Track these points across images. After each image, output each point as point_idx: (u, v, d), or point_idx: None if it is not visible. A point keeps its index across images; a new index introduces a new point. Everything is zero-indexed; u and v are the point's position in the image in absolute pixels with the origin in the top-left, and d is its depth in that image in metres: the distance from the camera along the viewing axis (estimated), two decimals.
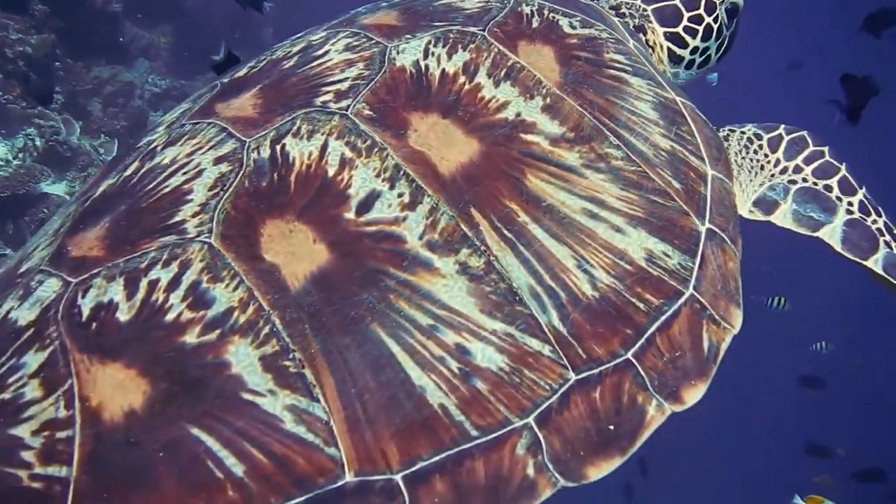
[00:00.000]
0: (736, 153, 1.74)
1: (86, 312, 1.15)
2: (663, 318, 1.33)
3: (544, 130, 1.40)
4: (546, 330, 1.24)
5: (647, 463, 8.62)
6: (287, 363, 1.13)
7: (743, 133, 1.77)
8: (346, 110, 1.34)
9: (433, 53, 1.45)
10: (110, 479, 1.04)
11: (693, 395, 1.31)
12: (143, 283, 1.17)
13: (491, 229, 1.28)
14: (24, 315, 1.17)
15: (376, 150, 1.30)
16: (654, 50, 1.91)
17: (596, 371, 1.26)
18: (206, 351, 1.12)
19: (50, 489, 1.03)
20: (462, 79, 1.42)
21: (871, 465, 8.64)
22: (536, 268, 1.28)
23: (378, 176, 1.28)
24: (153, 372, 1.10)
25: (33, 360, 1.12)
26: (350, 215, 1.24)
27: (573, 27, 1.59)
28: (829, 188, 1.69)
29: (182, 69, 8.52)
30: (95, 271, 1.19)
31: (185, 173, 1.30)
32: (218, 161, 1.30)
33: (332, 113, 1.34)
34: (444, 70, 1.42)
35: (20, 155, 5.95)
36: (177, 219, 1.24)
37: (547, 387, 1.22)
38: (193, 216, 1.23)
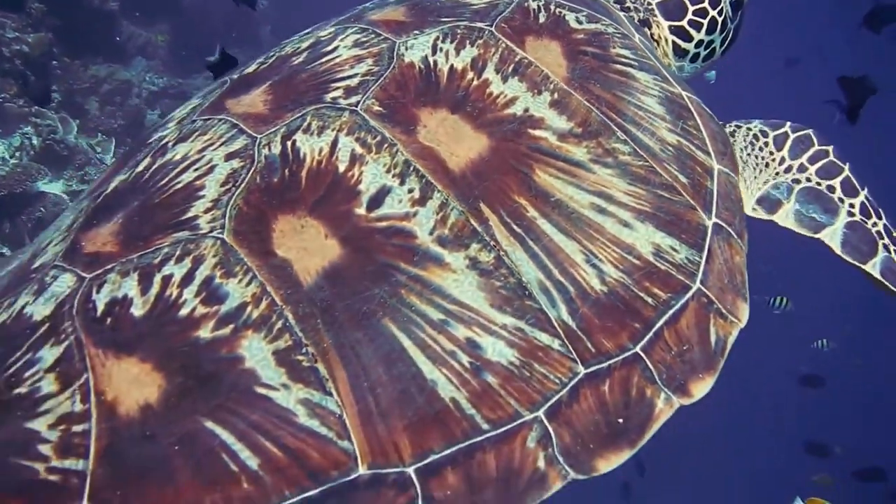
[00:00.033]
0: (741, 149, 1.75)
1: (100, 307, 1.16)
2: (671, 311, 1.34)
3: (552, 126, 1.41)
4: (555, 324, 1.25)
5: (644, 462, 8.65)
6: (300, 357, 1.14)
7: (749, 129, 1.78)
8: (356, 106, 1.35)
9: (441, 49, 1.45)
10: (126, 472, 1.05)
11: (701, 388, 1.32)
12: (157, 279, 1.18)
13: (500, 224, 1.29)
14: (40, 310, 1.18)
15: (386, 145, 1.31)
16: (658, 44, 1.91)
17: (605, 365, 1.27)
18: (220, 345, 1.13)
19: (67, 482, 1.03)
20: (470, 74, 1.43)
21: (870, 465, 8.67)
22: (545, 262, 1.29)
23: (388, 172, 1.29)
24: (168, 366, 1.11)
25: (49, 354, 1.13)
26: (361, 211, 1.25)
27: (580, 22, 1.60)
28: (832, 189, 1.70)
29: (179, 67, 8.51)
30: (109, 267, 1.20)
31: (196, 169, 1.30)
32: (229, 157, 1.30)
33: (342, 109, 1.35)
34: (452, 66, 1.43)
35: (17, 154, 5.93)
36: (189, 214, 1.24)
37: (556, 380, 1.23)
38: (206, 212, 1.24)
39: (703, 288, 1.39)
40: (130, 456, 1.05)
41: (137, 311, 1.15)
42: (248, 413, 1.10)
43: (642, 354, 1.30)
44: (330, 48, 1.48)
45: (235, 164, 1.29)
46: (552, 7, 1.61)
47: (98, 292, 1.18)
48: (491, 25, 1.51)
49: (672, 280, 1.37)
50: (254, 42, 9.99)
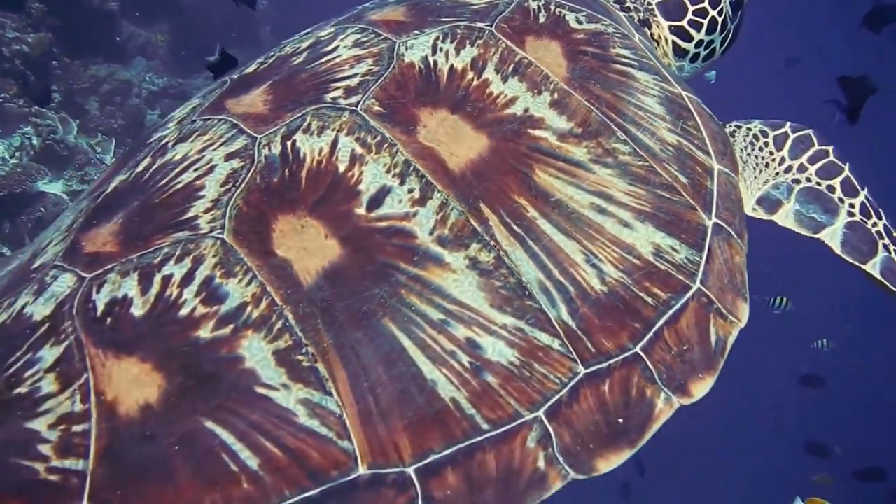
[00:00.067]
0: (741, 149, 1.75)
1: (100, 307, 1.16)
2: (671, 311, 1.34)
3: (552, 126, 1.41)
4: (555, 324, 1.25)
5: (644, 462, 8.65)
6: (300, 357, 1.14)
7: (749, 129, 1.78)
8: (356, 106, 1.35)
9: (441, 49, 1.45)
10: (126, 472, 1.05)
11: (701, 388, 1.32)
12: (157, 279, 1.18)
13: (500, 224, 1.29)
14: (40, 310, 1.18)
15: (386, 145, 1.31)
16: (658, 44, 1.92)
17: (605, 365, 1.27)
18: (220, 345, 1.13)
19: (67, 482, 1.03)
20: (470, 75, 1.43)
21: (870, 465, 8.66)
22: (545, 262, 1.29)
23: (388, 172, 1.29)
24: (168, 366, 1.11)
25: (49, 354, 1.13)
26: (361, 211, 1.25)
27: (580, 22, 1.60)
28: (832, 189, 1.70)
29: (179, 67, 8.51)
30: (109, 267, 1.20)
31: (196, 169, 1.30)
32: (229, 157, 1.30)
33: (342, 109, 1.35)
34: (452, 66, 1.43)
35: (17, 154, 5.94)
36: (189, 214, 1.24)
37: (556, 380, 1.23)
38: (206, 212, 1.24)
39: (703, 288, 1.39)
40: (130, 456, 1.05)
41: (137, 311, 1.15)
42: (248, 413, 1.10)
43: (642, 354, 1.30)
44: (330, 48, 1.48)
45: (235, 164, 1.29)
46: (552, 7, 1.61)
47: (98, 292, 1.18)
48: (491, 25, 1.51)
49: (672, 280, 1.37)
50: (254, 42, 9.99)
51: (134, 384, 1.09)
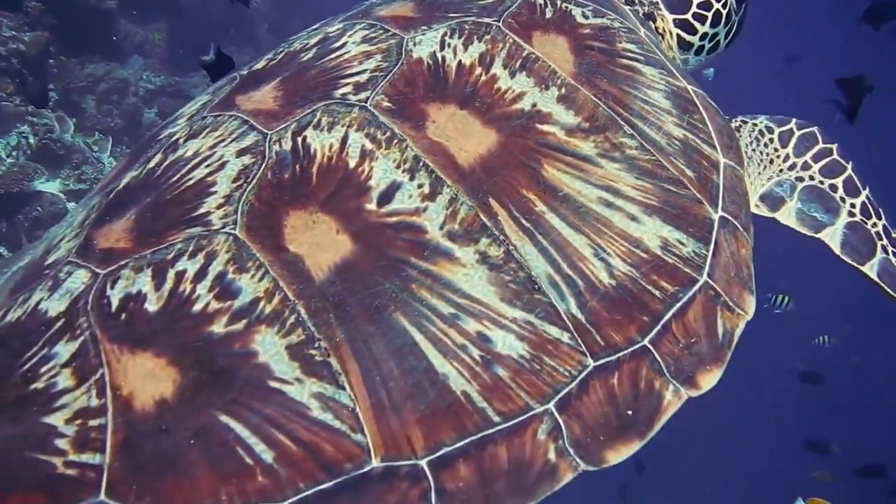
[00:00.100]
0: (746, 144, 1.77)
1: (115, 303, 1.17)
2: (678, 304, 1.35)
3: (560, 120, 1.42)
4: (565, 317, 1.27)
5: (644, 461, 8.66)
6: (313, 352, 1.15)
7: (755, 125, 1.80)
8: (366, 102, 1.36)
9: (449, 45, 1.46)
10: (143, 465, 1.05)
11: (708, 380, 1.34)
12: (171, 274, 1.19)
13: (509, 219, 1.30)
14: (54, 306, 1.18)
15: (396, 141, 1.31)
16: (663, 37, 1.93)
17: (614, 357, 1.28)
18: (234, 340, 1.14)
19: (84, 476, 1.04)
20: (478, 70, 1.44)
21: (870, 462, 8.69)
22: (554, 256, 1.30)
23: (398, 167, 1.29)
24: (182, 361, 1.12)
25: (64, 350, 1.13)
26: (371, 206, 1.26)
27: (586, 17, 1.61)
28: (834, 188, 1.72)
29: (177, 66, 8.48)
30: (123, 262, 1.21)
31: (208, 165, 1.31)
32: (241, 153, 1.31)
33: (351, 105, 1.35)
34: (460, 61, 1.44)
35: (14, 153, 5.91)
36: (202, 210, 1.25)
37: (566, 373, 1.24)
38: (218, 208, 1.25)
39: (710, 281, 1.40)
40: (146, 450, 1.06)
41: (151, 306, 1.16)
42: (262, 407, 1.11)
43: (650, 347, 1.31)
44: (338, 44, 1.49)
45: (247, 160, 1.30)
46: (558, 2, 1.61)
47: (112, 288, 1.18)
48: (498, 21, 1.52)
49: (679, 273, 1.38)
50: (251, 40, 9.97)
51: (149, 379, 1.10)
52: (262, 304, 1.17)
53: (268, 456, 1.08)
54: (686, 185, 1.47)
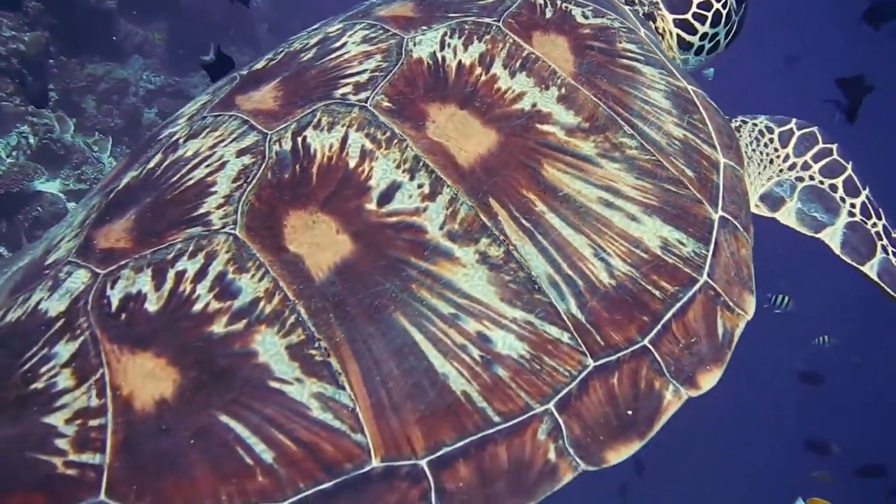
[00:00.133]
0: (747, 144, 1.77)
1: (115, 303, 1.17)
2: (678, 304, 1.35)
3: (560, 121, 1.42)
4: (565, 317, 1.27)
5: (644, 461, 8.65)
6: (313, 352, 1.15)
7: (755, 125, 1.80)
8: (366, 102, 1.36)
9: (449, 45, 1.46)
10: (143, 465, 1.05)
11: (709, 380, 1.34)
12: (171, 274, 1.19)
13: (509, 219, 1.30)
14: (54, 306, 1.19)
15: (396, 141, 1.32)
16: (663, 37, 1.93)
17: (614, 357, 1.28)
18: (234, 340, 1.14)
19: (84, 476, 1.04)
20: (478, 70, 1.44)
21: (870, 462, 8.69)
22: (554, 256, 1.30)
23: (398, 167, 1.29)
24: (182, 361, 1.12)
25: (64, 350, 1.13)
26: (372, 206, 1.26)
27: (586, 17, 1.61)
28: (834, 188, 1.72)
29: (177, 66, 8.48)
30: (123, 262, 1.21)
31: (208, 165, 1.31)
32: (241, 153, 1.31)
33: (351, 105, 1.35)
34: (460, 61, 1.44)
35: (14, 153, 5.91)
36: (202, 210, 1.25)
37: (566, 373, 1.24)
38: (218, 208, 1.25)
39: (710, 281, 1.40)
40: (146, 450, 1.06)
41: (151, 306, 1.16)
42: (262, 407, 1.11)
43: (650, 347, 1.31)
44: (338, 44, 1.49)
45: (247, 160, 1.30)
46: (558, 2, 1.61)
47: (112, 288, 1.18)
48: (498, 21, 1.52)
49: (679, 273, 1.38)
50: (251, 40, 9.97)
51: (149, 379, 1.10)
52: (262, 304, 1.17)
53: (268, 456, 1.08)
54: (686, 185, 1.47)
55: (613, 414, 1.25)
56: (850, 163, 1.74)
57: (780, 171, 1.74)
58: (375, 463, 1.12)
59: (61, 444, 1.06)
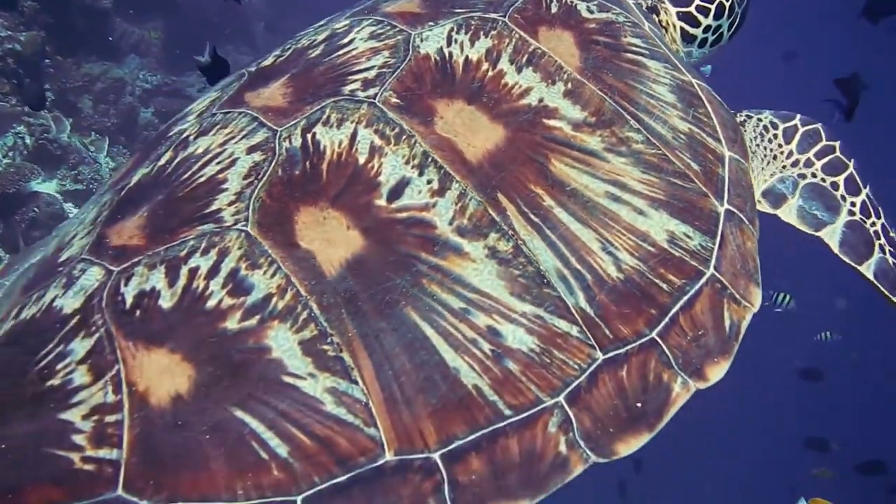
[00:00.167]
0: (751, 139, 1.77)
1: (129, 300, 1.17)
2: (686, 297, 1.37)
3: (567, 115, 1.43)
4: (573, 311, 1.28)
5: (643, 460, 8.66)
6: (325, 347, 1.16)
7: (759, 120, 1.80)
8: (374, 98, 1.36)
9: (456, 41, 1.47)
10: (160, 460, 1.06)
11: (716, 372, 1.35)
12: (184, 271, 1.19)
13: (518, 214, 1.31)
14: (69, 303, 1.19)
15: (405, 137, 1.32)
16: (666, 30, 1.93)
17: (622, 350, 1.29)
18: (248, 336, 1.15)
19: (101, 471, 1.05)
20: (485, 65, 1.44)
21: (870, 459, 8.70)
22: (563, 251, 1.31)
23: (407, 163, 1.30)
24: (197, 357, 1.13)
25: (80, 346, 1.14)
26: (381, 202, 1.26)
27: (591, 11, 1.62)
28: (835, 186, 1.73)
29: (173, 65, 8.46)
30: (136, 260, 1.21)
31: (219, 163, 1.31)
32: (251, 150, 1.32)
33: (360, 101, 1.36)
34: (467, 57, 1.45)
35: (10, 153, 5.89)
36: (213, 207, 1.26)
37: (576, 366, 1.25)
38: (229, 205, 1.25)
39: (716, 273, 1.41)
40: (163, 445, 1.07)
41: (165, 303, 1.17)
42: (276, 402, 1.11)
43: (658, 340, 1.32)
44: (346, 41, 1.49)
45: (257, 157, 1.31)
46: None
47: (126, 285, 1.19)
48: (504, 16, 1.53)
49: (686, 266, 1.39)
50: (247, 38, 9.95)
51: (164, 375, 1.11)
52: (274, 299, 1.17)
53: (282, 450, 1.09)
54: (692, 179, 1.48)
55: (623, 406, 1.26)
56: (853, 161, 1.76)
57: (784, 167, 1.76)
58: (389, 456, 1.13)
59: (78, 439, 1.07)
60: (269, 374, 1.13)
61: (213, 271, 1.19)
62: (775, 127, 1.79)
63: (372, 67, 1.42)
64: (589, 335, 1.27)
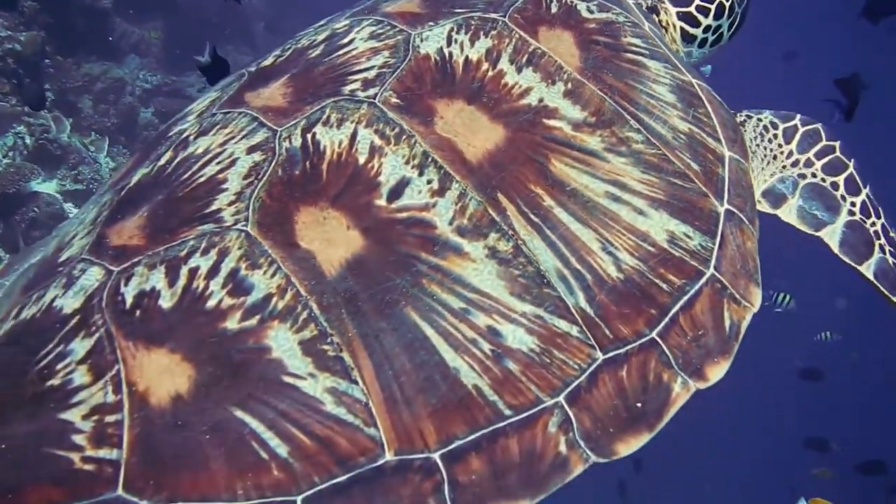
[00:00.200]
0: (751, 139, 1.77)
1: (129, 300, 1.17)
2: (686, 297, 1.37)
3: (566, 115, 1.43)
4: (573, 311, 1.28)
5: (643, 459, 8.66)
6: (325, 347, 1.16)
7: (759, 120, 1.80)
8: (374, 98, 1.37)
9: (456, 41, 1.47)
10: (160, 460, 1.06)
11: (716, 372, 1.35)
12: (184, 271, 1.19)
13: (518, 214, 1.31)
14: (69, 303, 1.19)
15: (405, 137, 1.32)
16: (667, 30, 1.93)
17: (622, 350, 1.29)
18: (248, 336, 1.15)
19: (101, 471, 1.05)
20: (485, 65, 1.44)
21: (870, 459, 8.69)
22: (563, 251, 1.31)
23: (407, 163, 1.30)
24: (197, 357, 1.13)
25: (80, 346, 1.14)
26: (381, 202, 1.26)
27: (591, 11, 1.62)
28: (835, 186, 1.73)
29: (173, 65, 8.46)
30: (136, 260, 1.21)
31: (219, 163, 1.31)
32: (251, 150, 1.32)
33: (360, 101, 1.36)
34: (467, 57, 1.45)
35: (10, 153, 5.89)
36: (213, 207, 1.26)
37: (576, 366, 1.25)
38: (229, 205, 1.26)
39: (716, 273, 1.41)
40: (163, 445, 1.07)
41: (165, 303, 1.17)
42: (276, 402, 1.11)
43: (658, 340, 1.32)
44: (346, 41, 1.49)
45: (257, 157, 1.31)
46: None
47: (126, 285, 1.19)
48: (504, 16, 1.53)
49: (686, 266, 1.39)
50: (247, 38, 9.95)
51: (164, 375, 1.11)
52: (274, 299, 1.17)
53: (282, 450, 1.09)
54: (692, 179, 1.48)
55: (623, 406, 1.27)
56: (853, 160, 1.76)
57: (784, 167, 1.76)
58: (389, 456, 1.13)
59: (78, 439, 1.07)
60: (269, 374, 1.13)
61: (213, 271, 1.19)
62: (775, 127, 1.79)
63: (372, 67, 1.42)
64: (589, 335, 1.27)
